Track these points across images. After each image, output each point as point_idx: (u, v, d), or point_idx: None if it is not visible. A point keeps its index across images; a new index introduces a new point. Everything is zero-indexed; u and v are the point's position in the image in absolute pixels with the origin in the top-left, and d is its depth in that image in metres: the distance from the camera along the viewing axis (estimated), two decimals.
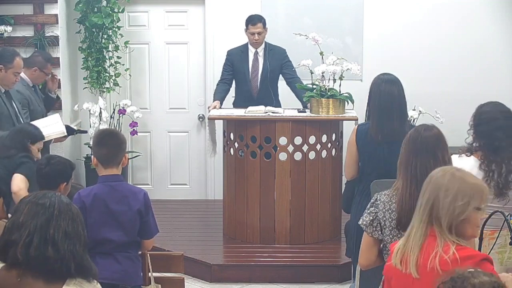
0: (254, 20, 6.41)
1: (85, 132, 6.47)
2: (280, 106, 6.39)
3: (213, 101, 6.40)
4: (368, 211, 3.38)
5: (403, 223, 3.21)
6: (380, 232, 3.34)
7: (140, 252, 3.94)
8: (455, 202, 2.65)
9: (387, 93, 4.36)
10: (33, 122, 5.29)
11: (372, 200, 3.40)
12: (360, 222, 3.39)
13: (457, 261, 2.58)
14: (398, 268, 2.72)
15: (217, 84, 6.62)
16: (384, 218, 3.31)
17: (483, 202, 2.70)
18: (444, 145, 3.35)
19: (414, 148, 3.31)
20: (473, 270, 2.23)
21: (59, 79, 6.40)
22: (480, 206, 2.69)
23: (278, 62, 6.46)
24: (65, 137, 5.68)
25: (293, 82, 6.33)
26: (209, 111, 6.27)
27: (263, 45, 6.50)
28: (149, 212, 3.87)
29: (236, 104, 6.56)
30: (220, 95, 6.47)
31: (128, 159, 4.68)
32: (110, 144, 3.84)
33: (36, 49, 6.46)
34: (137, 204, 3.81)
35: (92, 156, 3.94)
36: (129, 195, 3.82)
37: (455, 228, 2.67)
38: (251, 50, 6.51)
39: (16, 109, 5.36)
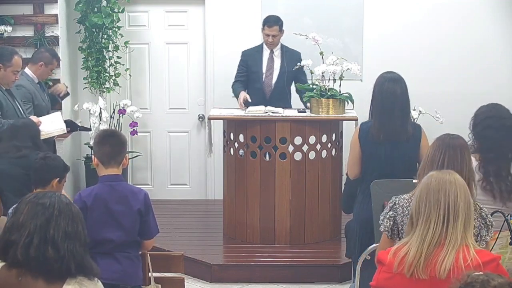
0: (270, 22, 6.35)
1: (89, 129, 6.47)
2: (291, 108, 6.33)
3: (240, 93, 6.29)
4: (387, 216, 3.34)
5: None
6: (397, 236, 3.31)
7: (140, 252, 3.94)
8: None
9: (389, 92, 4.35)
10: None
11: (390, 204, 3.36)
12: (381, 229, 3.36)
13: (480, 266, 2.60)
14: (422, 277, 2.67)
15: (233, 84, 6.52)
16: (402, 223, 3.28)
17: None
18: (469, 153, 3.33)
19: (443, 145, 3.27)
20: (484, 273, 2.25)
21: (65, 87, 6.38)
22: None
23: (294, 64, 6.40)
24: (67, 133, 5.69)
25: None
26: (240, 103, 6.16)
27: (279, 46, 6.44)
28: (149, 212, 3.87)
29: (248, 105, 6.40)
30: (241, 88, 6.39)
31: (128, 159, 4.68)
32: (111, 143, 3.84)
33: (43, 46, 6.44)
34: (137, 204, 3.81)
35: (93, 156, 3.94)
36: (129, 195, 3.82)
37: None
38: (266, 50, 6.46)
39: (19, 107, 5.39)
